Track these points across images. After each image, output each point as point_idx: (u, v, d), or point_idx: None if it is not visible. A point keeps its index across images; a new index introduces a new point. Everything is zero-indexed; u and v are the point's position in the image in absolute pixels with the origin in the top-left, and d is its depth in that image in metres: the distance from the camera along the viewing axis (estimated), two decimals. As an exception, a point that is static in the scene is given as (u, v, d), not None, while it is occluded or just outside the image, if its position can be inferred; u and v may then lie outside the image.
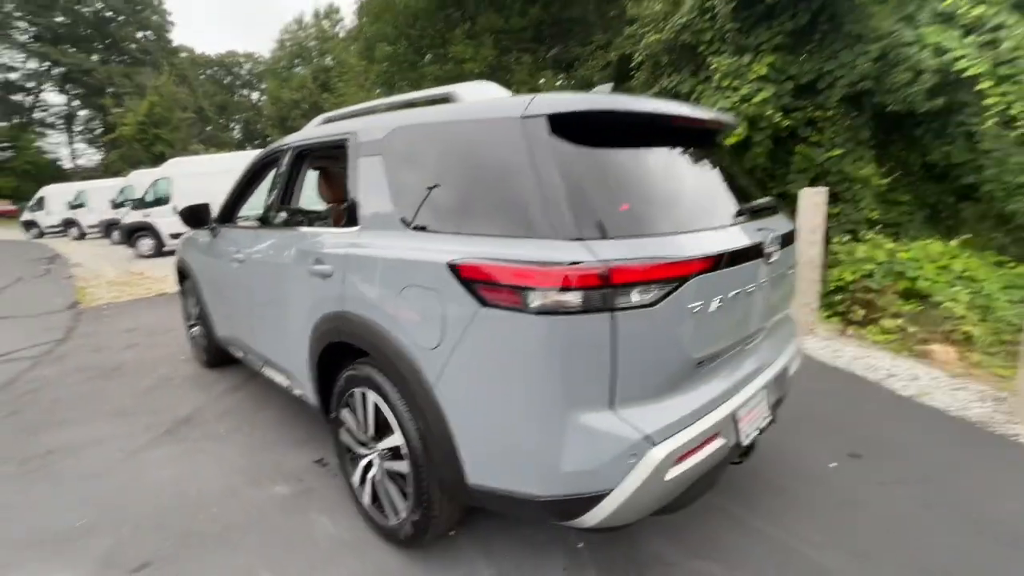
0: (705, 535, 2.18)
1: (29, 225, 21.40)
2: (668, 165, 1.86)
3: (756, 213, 2.00)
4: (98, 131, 41.23)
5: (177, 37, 63.53)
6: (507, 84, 14.22)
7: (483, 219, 1.69)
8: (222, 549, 2.16)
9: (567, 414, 1.47)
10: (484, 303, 1.54)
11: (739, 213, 1.91)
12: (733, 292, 1.70)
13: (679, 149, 1.91)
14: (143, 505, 2.48)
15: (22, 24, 36.97)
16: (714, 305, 1.62)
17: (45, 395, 3.96)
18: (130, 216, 12.58)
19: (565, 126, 1.59)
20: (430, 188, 1.86)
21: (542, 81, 14.15)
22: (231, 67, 54.14)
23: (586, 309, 1.41)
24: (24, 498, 2.59)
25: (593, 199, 1.55)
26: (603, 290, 1.41)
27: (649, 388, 1.54)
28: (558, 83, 14.33)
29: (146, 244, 12.41)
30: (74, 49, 38.93)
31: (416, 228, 1.87)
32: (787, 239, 2.09)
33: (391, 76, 15.68)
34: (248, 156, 8.85)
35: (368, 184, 2.12)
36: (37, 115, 40.07)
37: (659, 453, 1.48)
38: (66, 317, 6.70)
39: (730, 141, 8.77)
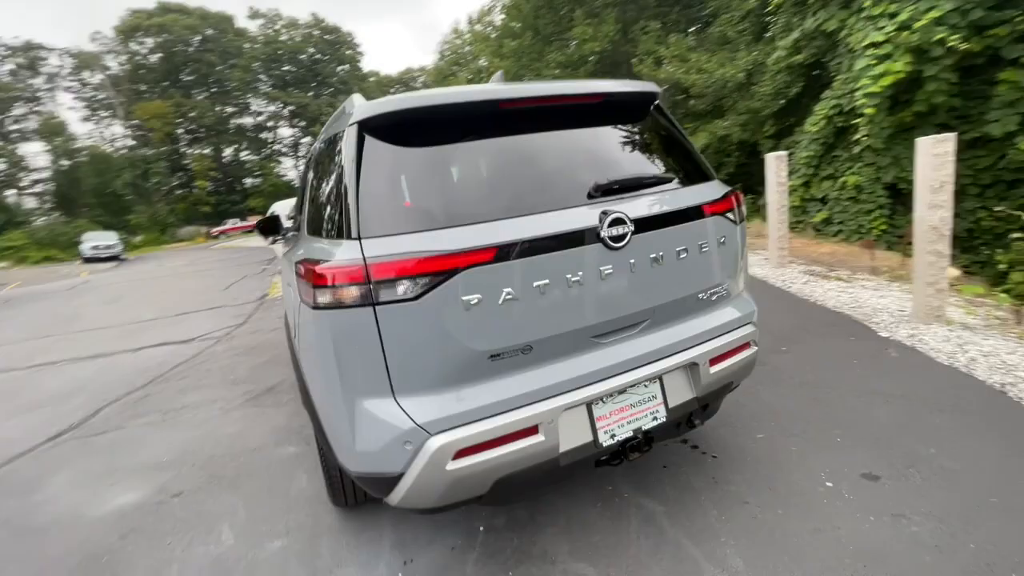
0: (609, 538, 2.06)
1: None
2: (496, 153, 1.81)
3: (624, 191, 1.81)
4: (315, 154, 52.61)
5: (366, 64, 73.99)
6: (631, 56, 13.57)
7: (326, 221, 1.89)
8: (228, 490, 2.78)
9: (355, 400, 1.60)
10: (301, 298, 1.75)
11: (594, 193, 1.75)
12: (539, 282, 1.61)
13: (523, 133, 1.83)
14: (205, 451, 3.28)
15: (263, 77, 47.51)
16: (503, 297, 1.56)
17: (205, 366, 5.33)
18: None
19: (378, 129, 1.69)
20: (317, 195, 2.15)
21: (669, 47, 13.09)
22: (408, 82, 61.29)
23: (352, 304, 1.52)
24: (150, 438, 3.64)
25: (380, 198, 1.63)
26: (365, 286, 1.50)
27: (428, 380, 1.58)
28: (688, 46, 13.09)
29: None
30: (297, 91, 48.57)
31: (312, 232, 2.15)
32: (669, 218, 1.84)
33: (518, 69, 16.18)
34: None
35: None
36: (276, 147, 51.13)
37: (434, 444, 1.53)
38: (252, 307, 8.70)
39: (886, 82, 7.06)
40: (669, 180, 1.95)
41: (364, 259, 1.51)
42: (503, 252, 1.55)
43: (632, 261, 1.74)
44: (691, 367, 1.91)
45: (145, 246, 36.62)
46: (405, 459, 1.56)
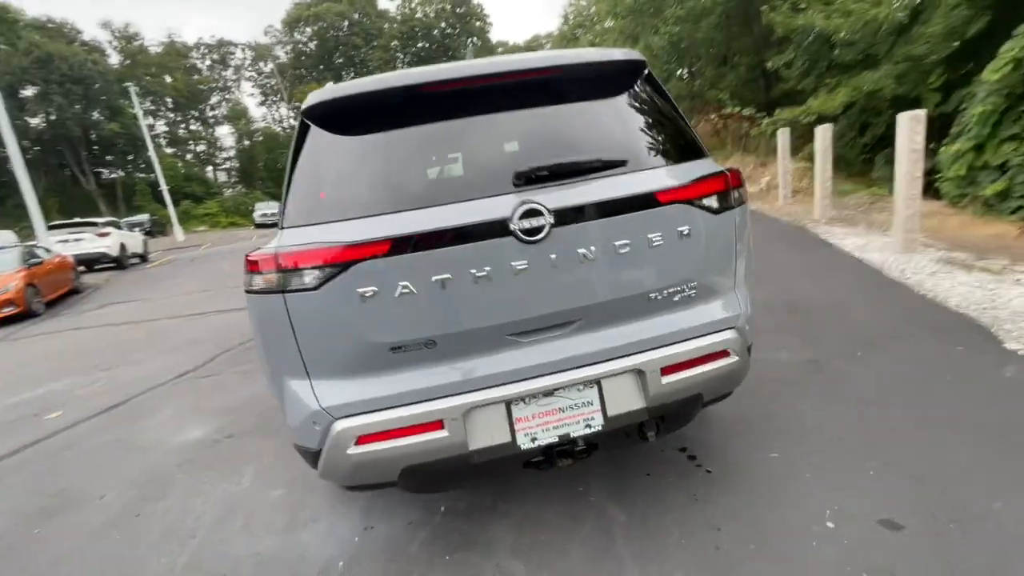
0: (556, 538, 2.00)
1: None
2: (416, 141, 1.74)
3: (557, 177, 1.64)
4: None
5: (495, 35, 74.60)
6: (763, 3, 11.81)
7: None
8: (266, 438, 3.21)
9: (281, 378, 1.74)
10: None
11: (517, 182, 1.62)
12: (438, 276, 1.55)
13: (452, 118, 1.73)
14: (265, 402, 3.79)
15: (400, 56, 50.64)
16: (399, 291, 1.54)
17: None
18: None
19: (317, 119, 1.74)
20: None
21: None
22: (536, 49, 60.90)
23: (268, 290, 1.63)
24: (234, 385, 4.30)
25: (304, 189, 1.70)
26: (278, 274, 1.60)
27: (336, 366, 1.64)
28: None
29: None
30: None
31: None
32: (605, 208, 1.62)
33: (635, 27, 15.12)
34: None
35: None
36: None
37: (337, 427, 1.62)
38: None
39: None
40: (618, 164, 1.70)
41: (276, 248, 1.60)
42: (397, 245, 1.53)
43: (553, 256, 1.59)
44: (638, 374, 1.71)
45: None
46: (318, 438, 1.66)
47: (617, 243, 1.63)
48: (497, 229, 1.55)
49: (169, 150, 44.45)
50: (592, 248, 1.61)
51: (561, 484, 2.29)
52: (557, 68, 1.73)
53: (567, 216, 1.58)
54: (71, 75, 33.43)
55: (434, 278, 1.56)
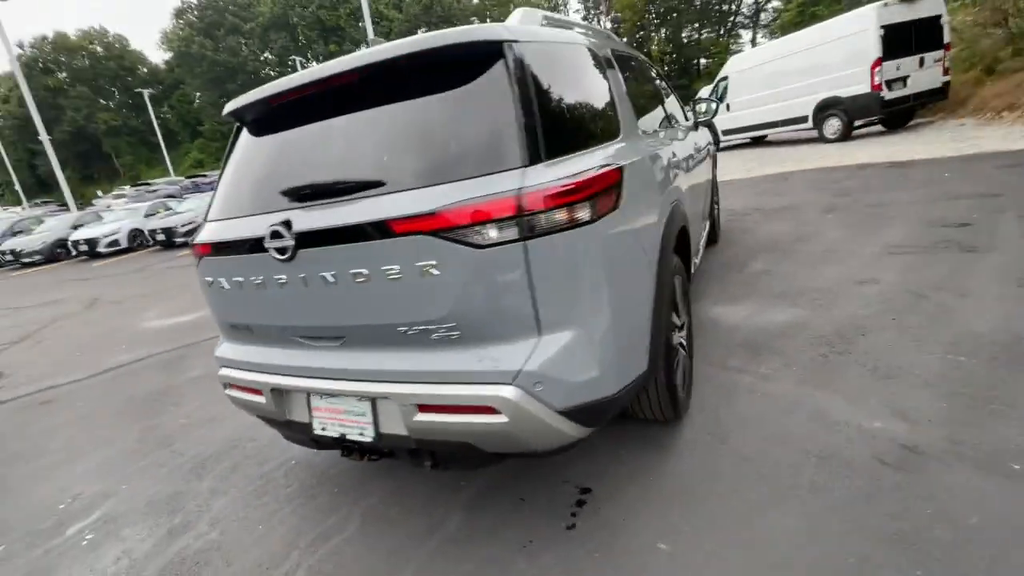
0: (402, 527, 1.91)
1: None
2: (263, 149, 1.82)
3: (318, 197, 1.55)
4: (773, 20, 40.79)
5: None
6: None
7: None
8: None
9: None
10: None
11: (291, 198, 1.61)
12: (236, 278, 1.72)
13: (300, 124, 1.69)
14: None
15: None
16: (224, 285, 1.77)
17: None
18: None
19: (238, 121, 1.95)
20: None
21: None
22: None
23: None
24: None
25: (220, 185, 1.95)
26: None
27: (223, 327, 1.98)
28: None
29: None
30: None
31: None
32: (340, 234, 1.43)
33: None
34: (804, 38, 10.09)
35: None
36: (736, 19, 44.22)
37: (219, 372, 1.98)
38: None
39: None
40: (374, 185, 1.43)
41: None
42: (213, 248, 1.77)
43: (303, 276, 1.52)
44: (400, 403, 1.50)
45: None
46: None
47: (352, 271, 1.43)
48: (259, 246, 1.56)
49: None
50: (332, 273, 1.47)
51: (443, 484, 2.06)
52: (380, 64, 1.45)
53: (308, 239, 1.47)
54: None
55: (233, 279, 1.73)
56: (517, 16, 1.74)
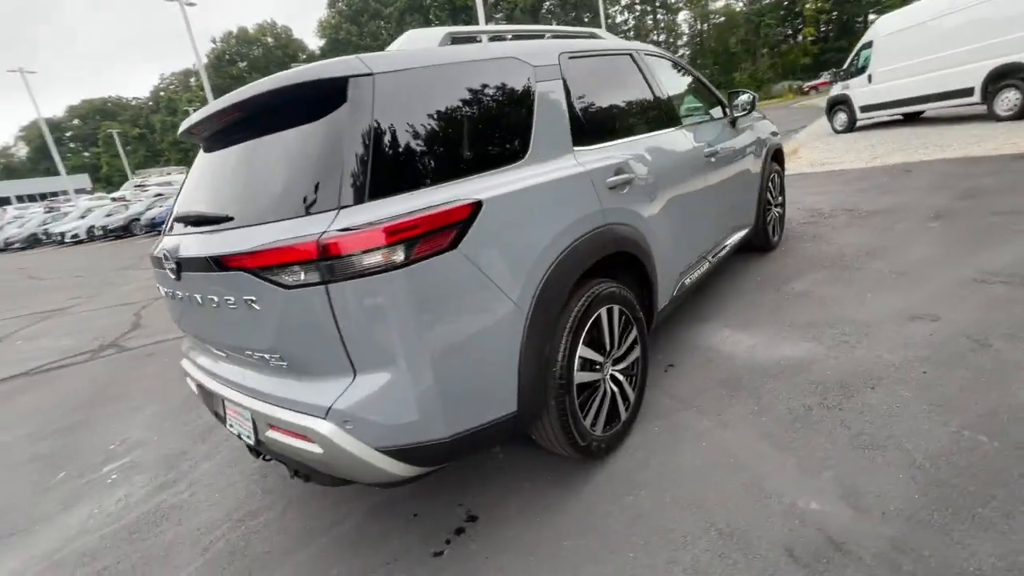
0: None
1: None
2: (195, 173, 1.97)
3: (198, 224, 1.75)
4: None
5: None
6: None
7: None
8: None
9: None
10: None
11: (189, 224, 1.80)
12: (165, 289, 1.91)
13: (208, 153, 1.91)
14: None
15: None
16: (162, 291, 1.97)
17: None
18: (836, 88, 11.68)
19: None
20: None
21: None
22: None
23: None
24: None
25: None
26: None
27: None
28: None
29: (839, 119, 11.68)
30: None
31: None
32: (195, 262, 1.59)
33: None
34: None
35: None
36: None
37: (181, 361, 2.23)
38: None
39: None
40: (223, 220, 1.58)
41: None
42: (152, 259, 1.95)
43: (189, 295, 1.70)
44: (257, 419, 1.62)
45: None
46: None
47: (209, 297, 1.57)
48: (164, 264, 1.75)
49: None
50: (200, 296, 1.63)
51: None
52: (251, 99, 1.53)
53: (181, 264, 1.66)
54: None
55: (163, 288, 1.94)
56: (401, 40, 1.71)
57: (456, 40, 1.84)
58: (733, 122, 3.28)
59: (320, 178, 1.38)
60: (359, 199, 1.33)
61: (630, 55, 2.57)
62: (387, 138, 1.41)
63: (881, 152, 7.98)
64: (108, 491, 2.52)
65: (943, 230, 3.94)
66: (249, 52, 60.44)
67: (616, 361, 2.07)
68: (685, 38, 48.11)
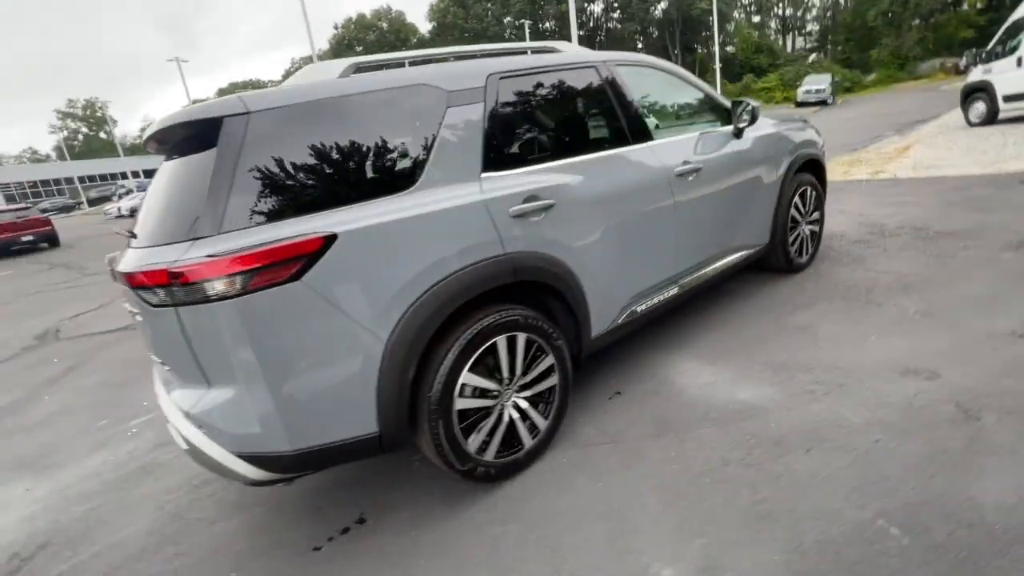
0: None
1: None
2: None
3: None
4: None
5: None
6: None
7: None
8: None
9: None
10: None
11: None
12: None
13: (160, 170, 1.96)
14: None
15: None
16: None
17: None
18: (974, 73, 9.98)
19: None
20: None
21: None
22: None
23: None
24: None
25: None
26: None
27: None
28: None
29: (976, 110, 9.88)
30: None
31: None
32: (116, 276, 1.70)
33: None
34: None
35: None
36: None
37: None
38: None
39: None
40: (133, 236, 1.74)
41: None
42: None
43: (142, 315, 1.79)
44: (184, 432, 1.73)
45: (874, 86, 32.99)
46: None
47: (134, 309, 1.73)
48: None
49: (756, 19, 44.90)
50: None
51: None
52: (163, 129, 1.70)
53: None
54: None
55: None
56: (299, 74, 1.80)
57: (363, 69, 1.91)
58: (738, 133, 2.98)
59: (187, 208, 1.55)
60: (214, 231, 1.47)
61: (594, 68, 2.45)
62: (254, 173, 1.54)
63: (1008, 155, 6.70)
64: (125, 443, 3.01)
65: (1015, 265, 3.28)
66: (365, 37, 64.30)
67: (523, 388, 2.06)
68: (815, 11, 43.32)
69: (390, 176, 1.76)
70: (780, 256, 3.50)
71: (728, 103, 3.06)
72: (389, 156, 1.79)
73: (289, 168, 1.60)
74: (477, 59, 2.21)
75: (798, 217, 3.56)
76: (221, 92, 80.00)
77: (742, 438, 2.07)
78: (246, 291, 1.45)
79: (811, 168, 3.66)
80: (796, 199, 3.48)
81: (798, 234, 3.61)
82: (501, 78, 2.09)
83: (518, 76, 2.16)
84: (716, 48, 26.17)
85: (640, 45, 47.01)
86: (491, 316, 1.89)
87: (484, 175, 1.94)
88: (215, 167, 1.51)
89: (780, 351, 2.69)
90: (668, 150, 2.60)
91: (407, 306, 1.68)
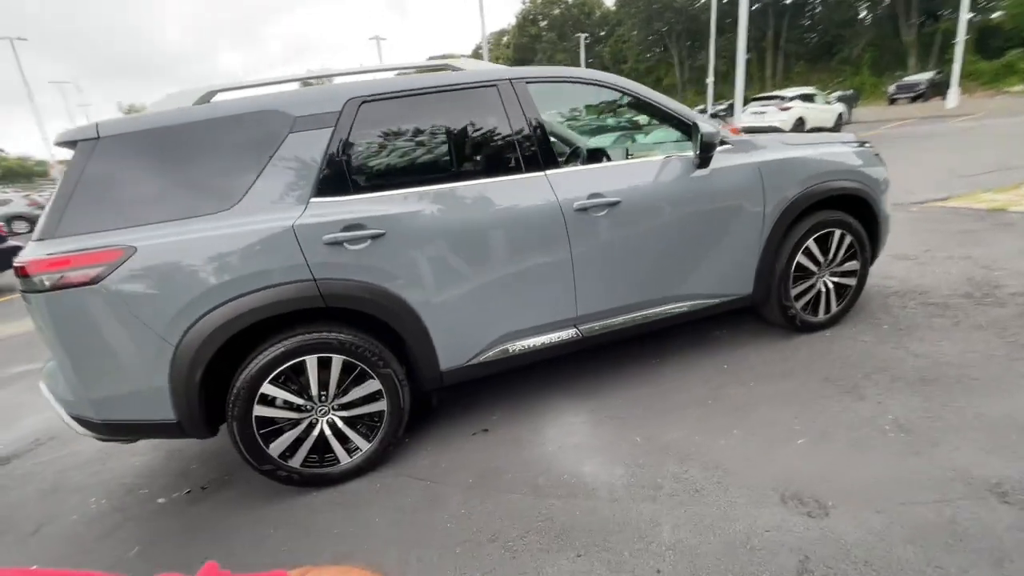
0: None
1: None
2: None
3: None
4: None
5: None
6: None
7: None
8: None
9: None
10: None
11: None
12: None
13: None
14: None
15: None
16: None
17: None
18: None
19: None
20: None
21: None
22: None
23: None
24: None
25: None
26: None
27: None
28: None
29: None
30: None
31: None
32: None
33: None
34: None
35: None
36: None
37: None
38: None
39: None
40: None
41: None
42: None
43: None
44: None
45: None
46: None
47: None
48: None
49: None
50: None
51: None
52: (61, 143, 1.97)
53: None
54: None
55: None
56: (158, 99, 2.05)
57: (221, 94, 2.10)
58: (703, 161, 2.48)
59: (53, 212, 1.90)
60: (51, 234, 1.83)
61: (494, 87, 2.27)
62: (91, 188, 1.86)
63: None
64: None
65: None
66: (550, 12, 65.03)
67: (344, 407, 2.13)
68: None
69: (214, 197, 1.94)
70: (775, 310, 2.87)
71: (690, 121, 2.55)
72: (218, 179, 1.97)
73: (123, 186, 1.89)
74: (349, 82, 2.22)
75: (810, 267, 2.84)
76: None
77: (536, 517, 1.86)
78: (56, 288, 1.79)
79: (847, 204, 2.87)
80: (810, 243, 2.78)
81: (812, 286, 2.89)
82: (363, 103, 2.10)
83: (385, 99, 2.14)
84: (962, 12, 20.28)
85: (864, 13, 38.77)
86: (299, 336, 1.99)
87: (314, 200, 2.01)
88: (63, 179, 1.87)
89: (680, 428, 2.27)
90: (572, 180, 2.31)
91: (196, 318, 1.88)
